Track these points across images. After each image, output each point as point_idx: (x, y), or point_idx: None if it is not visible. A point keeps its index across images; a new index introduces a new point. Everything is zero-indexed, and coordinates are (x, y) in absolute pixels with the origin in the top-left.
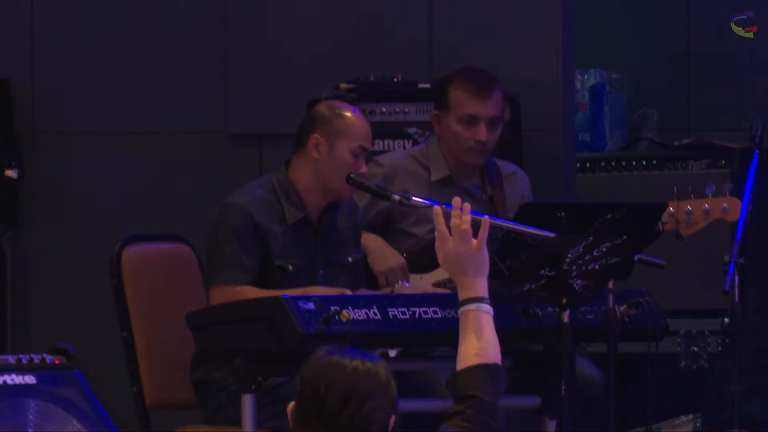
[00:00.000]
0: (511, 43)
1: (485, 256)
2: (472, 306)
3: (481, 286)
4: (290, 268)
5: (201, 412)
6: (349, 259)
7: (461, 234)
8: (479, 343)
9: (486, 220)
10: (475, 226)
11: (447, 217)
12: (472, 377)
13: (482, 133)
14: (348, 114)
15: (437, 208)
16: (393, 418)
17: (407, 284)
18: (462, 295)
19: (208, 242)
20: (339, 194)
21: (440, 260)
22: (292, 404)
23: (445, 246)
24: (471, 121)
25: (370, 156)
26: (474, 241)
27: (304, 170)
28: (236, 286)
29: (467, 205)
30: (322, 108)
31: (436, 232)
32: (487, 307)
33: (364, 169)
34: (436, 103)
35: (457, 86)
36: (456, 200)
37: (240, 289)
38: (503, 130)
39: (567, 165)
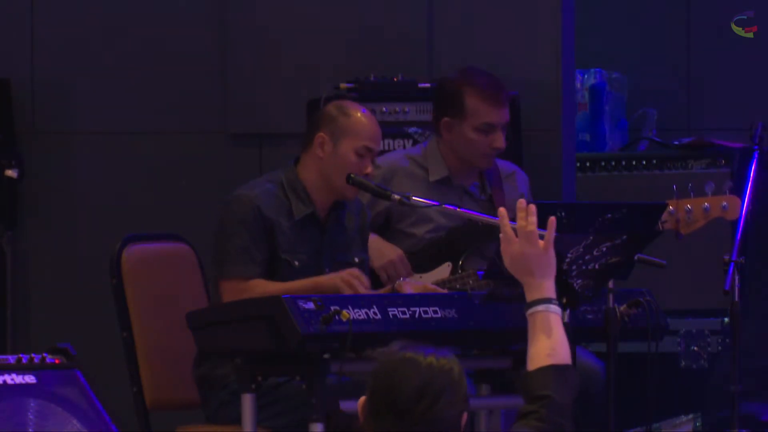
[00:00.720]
0: (511, 43)
1: (552, 256)
2: (541, 307)
3: (548, 287)
4: (296, 263)
5: (203, 409)
6: (356, 260)
7: (527, 235)
8: (550, 343)
9: (552, 221)
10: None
11: (448, 216)
12: (545, 377)
13: (500, 140)
14: (354, 113)
15: (502, 210)
16: (465, 415)
17: (406, 279)
18: (530, 297)
19: (216, 235)
20: (342, 194)
21: (506, 262)
22: (362, 399)
23: (511, 248)
24: (488, 129)
25: (376, 156)
26: (540, 242)
27: (311, 168)
28: (248, 280)
29: (532, 207)
30: (330, 107)
31: (501, 234)
32: (556, 308)
33: (370, 169)
34: (447, 110)
35: (473, 94)
36: (521, 201)
37: (253, 282)
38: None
39: (567, 165)
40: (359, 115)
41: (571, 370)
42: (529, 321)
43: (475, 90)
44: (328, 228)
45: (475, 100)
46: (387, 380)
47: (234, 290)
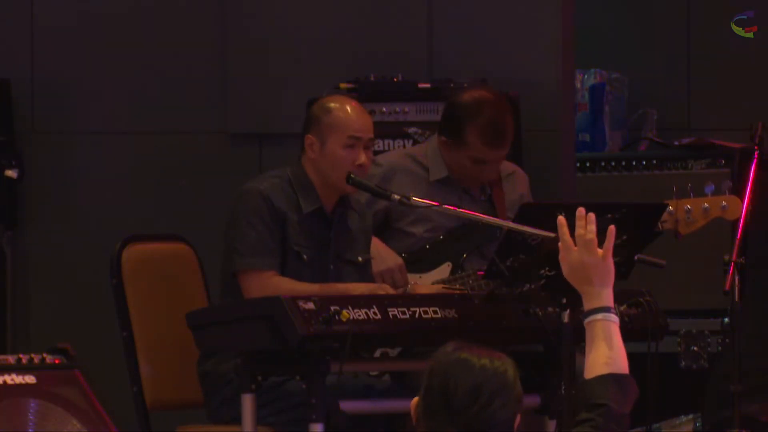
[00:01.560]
0: (511, 43)
1: (611, 265)
2: (600, 316)
3: (607, 296)
4: (305, 257)
5: (205, 406)
6: (359, 259)
7: (586, 244)
8: (610, 352)
9: (612, 229)
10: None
11: (447, 216)
12: (603, 386)
13: (491, 172)
14: (335, 109)
15: (561, 219)
16: (519, 417)
17: (419, 283)
18: (588, 305)
19: (228, 229)
20: (342, 189)
21: (564, 271)
22: (416, 399)
23: (570, 256)
24: (483, 162)
25: (371, 144)
26: (599, 250)
27: (309, 168)
28: (267, 272)
29: (592, 215)
30: (315, 106)
31: (560, 243)
32: (615, 317)
33: (363, 158)
34: (447, 133)
35: (474, 129)
36: (580, 210)
37: (278, 279)
38: None
39: (567, 165)
40: (340, 108)
41: (628, 380)
42: (587, 329)
43: (478, 129)
44: (334, 225)
45: (475, 137)
46: (441, 380)
47: (254, 282)
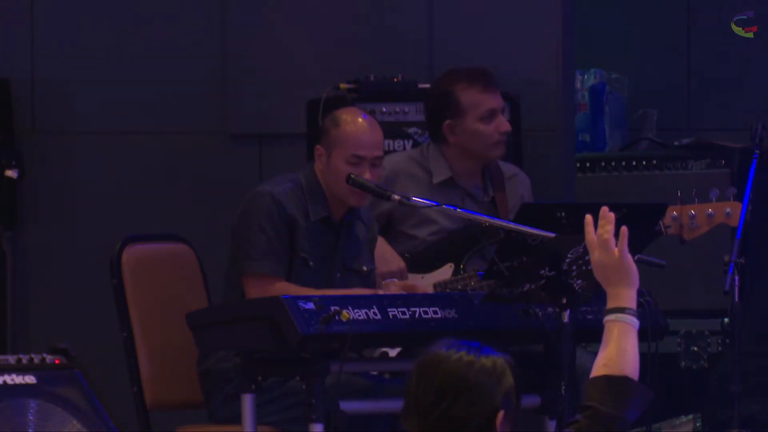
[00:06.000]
0: (511, 43)
1: (628, 265)
2: (612, 316)
3: (624, 296)
4: (311, 264)
5: (206, 406)
6: (364, 268)
7: (602, 243)
8: (609, 353)
9: (624, 230)
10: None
11: (451, 218)
12: (594, 388)
13: (504, 123)
14: (344, 123)
15: (588, 217)
16: (501, 414)
17: (392, 279)
18: (608, 305)
19: (238, 231)
20: (345, 200)
21: (594, 271)
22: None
23: (593, 256)
24: (491, 115)
25: (378, 161)
26: (615, 250)
27: (320, 177)
28: (273, 277)
29: (611, 215)
30: (328, 118)
31: (586, 243)
32: (629, 318)
33: (368, 176)
34: (445, 114)
35: (465, 88)
36: (603, 209)
37: (283, 286)
38: None
39: (567, 165)
40: (350, 122)
41: (627, 382)
42: (604, 329)
43: (465, 84)
44: (342, 234)
45: (470, 92)
46: (411, 380)
47: (259, 286)
